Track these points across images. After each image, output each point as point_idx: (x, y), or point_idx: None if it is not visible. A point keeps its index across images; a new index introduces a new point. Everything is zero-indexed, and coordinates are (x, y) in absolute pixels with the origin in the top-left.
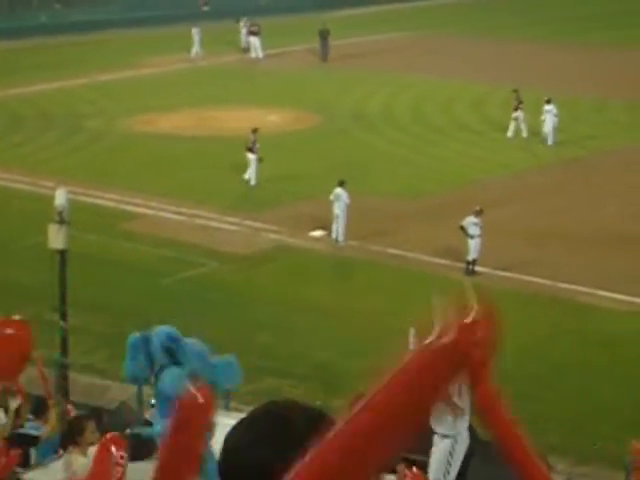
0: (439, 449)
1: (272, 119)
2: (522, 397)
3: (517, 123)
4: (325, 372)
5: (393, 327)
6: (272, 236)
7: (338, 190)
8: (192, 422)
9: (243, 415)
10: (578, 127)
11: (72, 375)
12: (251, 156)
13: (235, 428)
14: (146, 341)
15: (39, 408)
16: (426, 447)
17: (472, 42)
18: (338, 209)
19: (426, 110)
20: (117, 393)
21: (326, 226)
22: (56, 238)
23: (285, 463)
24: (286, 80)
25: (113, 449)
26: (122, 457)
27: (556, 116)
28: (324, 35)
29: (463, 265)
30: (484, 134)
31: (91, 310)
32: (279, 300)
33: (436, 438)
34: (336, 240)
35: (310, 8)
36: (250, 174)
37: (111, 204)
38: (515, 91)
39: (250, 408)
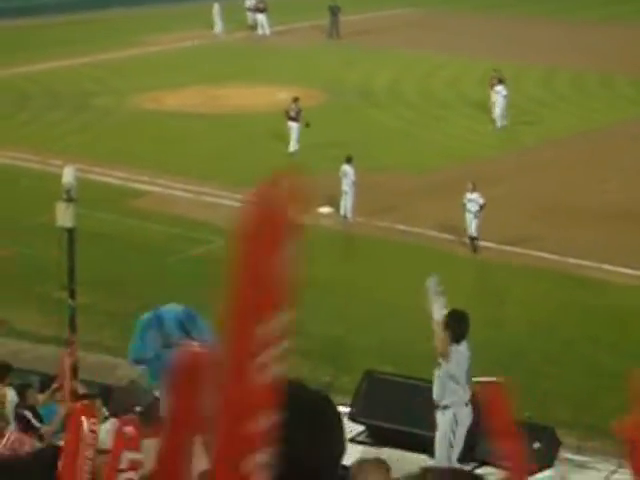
0: (441, 422)
1: (280, 96)
2: (532, 373)
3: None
4: (333, 348)
5: (401, 303)
6: None
7: (345, 167)
8: (192, 378)
9: None
10: (584, 101)
11: (81, 353)
12: (294, 124)
13: None
14: (159, 319)
15: (48, 386)
16: (431, 422)
17: (481, 18)
18: (346, 186)
19: (433, 86)
20: (126, 371)
21: (333, 203)
22: (64, 216)
23: (299, 444)
24: (294, 57)
25: (83, 418)
26: (94, 424)
27: (505, 97)
28: (334, 11)
29: (465, 240)
30: (491, 110)
31: (99, 288)
32: None
33: (438, 413)
34: (344, 217)
35: None
36: (293, 144)
37: (119, 182)
38: (496, 70)
39: None
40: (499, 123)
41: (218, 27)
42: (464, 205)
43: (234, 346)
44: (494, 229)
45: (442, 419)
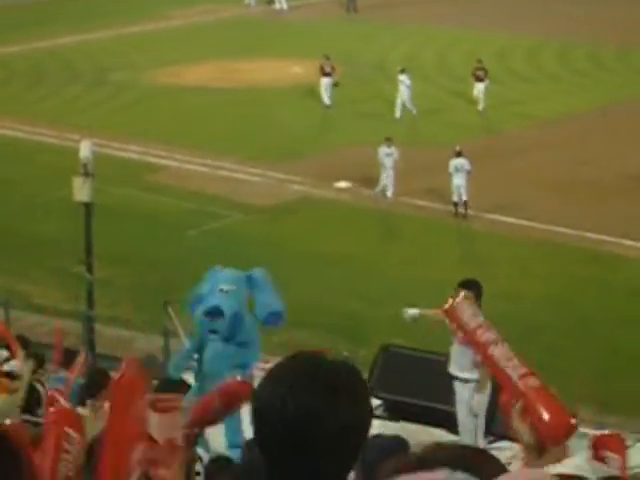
0: (463, 395)
1: (296, 70)
2: (549, 349)
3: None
4: (351, 322)
5: (418, 277)
6: (296, 187)
7: (385, 148)
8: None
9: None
10: (601, 74)
11: (98, 327)
12: (328, 80)
13: (267, 380)
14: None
15: (67, 359)
16: (448, 396)
17: None
18: (387, 165)
19: (450, 60)
20: (143, 344)
21: (350, 177)
22: (81, 191)
23: (322, 411)
24: (310, 32)
25: (65, 428)
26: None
27: (409, 87)
28: None
29: (485, 215)
30: (508, 84)
31: (116, 263)
32: (304, 251)
33: (457, 384)
34: (384, 194)
35: None
36: (326, 98)
37: (136, 156)
38: (479, 61)
39: (277, 359)
40: (398, 113)
41: None
42: (450, 173)
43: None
44: (512, 203)
45: (463, 393)
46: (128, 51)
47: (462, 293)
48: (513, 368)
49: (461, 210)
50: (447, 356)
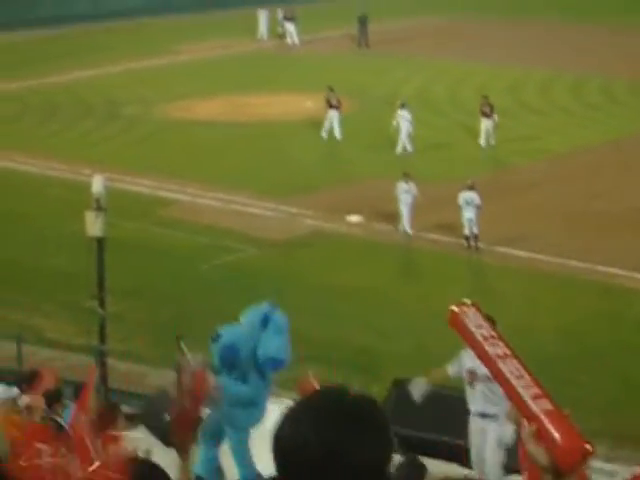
0: (488, 430)
1: (308, 105)
2: (561, 381)
3: (487, 130)
4: (364, 356)
5: (430, 310)
6: (309, 221)
7: (403, 184)
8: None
9: (286, 401)
10: (613, 107)
11: (110, 362)
12: (335, 113)
13: (287, 419)
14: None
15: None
16: (461, 431)
17: (508, 24)
18: (405, 201)
19: (462, 94)
20: (155, 379)
21: (362, 210)
22: (93, 225)
23: (347, 446)
24: (322, 66)
25: (38, 444)
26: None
27: (410, 122)
28: (363, 20)
29: (496, 248)
30: (520, 118)
31: (128, 297)
32: (317, 285)
33: (482, 422)
34: (404, 230)
35: None
36: (337, 129)
37: (147, 190)
38: (485, 97)
39: (291, 394)
40: (399, 148)
41: (263, 34)
42: (460, 206)
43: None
44: (523, 236)
45: (488, 428)
46: (138, 86)
47: (469, 301)
48: (525, 387)
49: (472, 243)
50: (460, 391)
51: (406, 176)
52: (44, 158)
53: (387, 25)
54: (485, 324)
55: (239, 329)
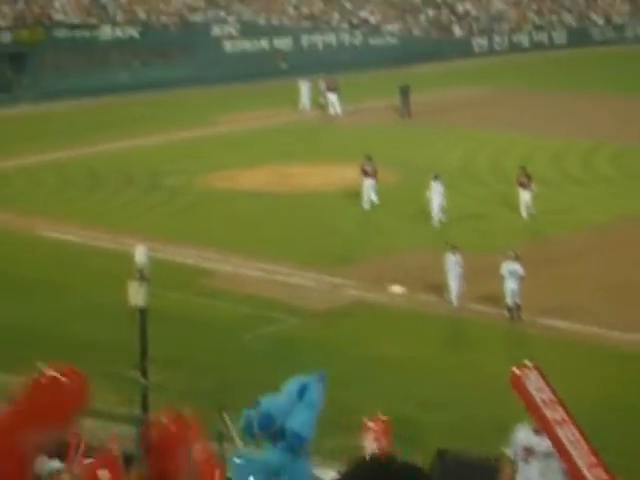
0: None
1: (350, 175)
2: (609, 450)
3: (526, 201)
4: (407, 427)
5: (474, 382)
6: (351, 291)
7: (450, 256)
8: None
9: (331, 472)
10: None
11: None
12: (369, 181)
13: None
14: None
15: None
16: None
17: (550, 95)
18: (453, 272)
19: (504, 164)
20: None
21: (402, 281)
22: (136, 295)
23: None
24: (364, 137)
25: (100, 472)
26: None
27: (442, 194)
28: (405, 91)
29: (539, 319)
30: (562, 188)
31: (170, 367)
32: (359, 355)
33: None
34: (450, 302)
35: (390, 64)
36: (373, 198)
37: (190, 261)
38: (522, 168)
39: (334, 464)
40: (435, 220)
41: (305, 104)
42: (502, 276)
43: None
44: (565, 307)
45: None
46: (180, 156)
47: (531, 364)
48: (581, 456)
49: (515, 314)
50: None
51: (454, 248)
52: (87, 228)
53: (429, 96)
54: (546, 388)
55: (278, 399)
